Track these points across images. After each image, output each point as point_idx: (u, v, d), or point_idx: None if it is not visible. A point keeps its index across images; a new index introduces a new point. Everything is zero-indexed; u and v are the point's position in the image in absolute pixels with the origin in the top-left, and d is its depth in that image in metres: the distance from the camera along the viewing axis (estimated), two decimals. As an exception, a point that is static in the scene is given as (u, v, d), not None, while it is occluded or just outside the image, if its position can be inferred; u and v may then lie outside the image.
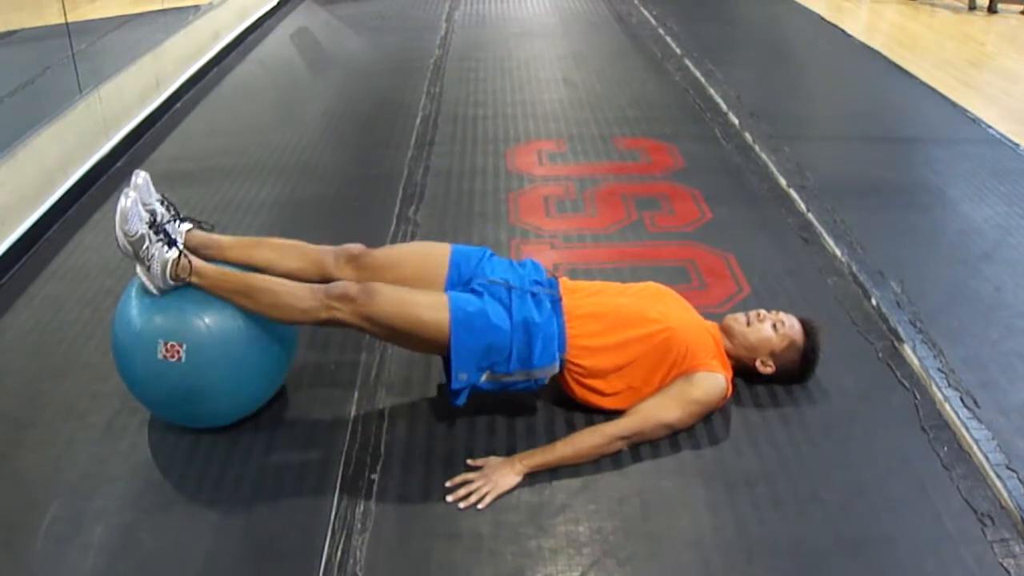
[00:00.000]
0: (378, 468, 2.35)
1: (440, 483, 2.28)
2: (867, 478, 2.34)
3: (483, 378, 2.37)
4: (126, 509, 2.24)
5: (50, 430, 2.53)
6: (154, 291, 2.31)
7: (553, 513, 2.21)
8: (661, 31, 7.05)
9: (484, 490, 2.24)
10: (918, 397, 2.64)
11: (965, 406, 2.58)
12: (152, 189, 2.40)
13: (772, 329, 2.60)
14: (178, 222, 2.43)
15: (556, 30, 7.30)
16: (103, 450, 2.44)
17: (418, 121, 4.99)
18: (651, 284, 2.67)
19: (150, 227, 2.31)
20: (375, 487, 2.28)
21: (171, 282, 2.30)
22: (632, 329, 2.45)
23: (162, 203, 2.41)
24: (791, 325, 2.62)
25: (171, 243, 2.32)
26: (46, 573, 2.06)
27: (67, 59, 4.27)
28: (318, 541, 2.11)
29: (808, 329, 2.63)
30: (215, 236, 2.49)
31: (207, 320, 2.31)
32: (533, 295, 2.43)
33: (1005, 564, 2.06)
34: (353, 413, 2.56)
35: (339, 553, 2.08)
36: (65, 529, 2.17)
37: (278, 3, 7.64)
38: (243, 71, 6.04)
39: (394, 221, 3.76)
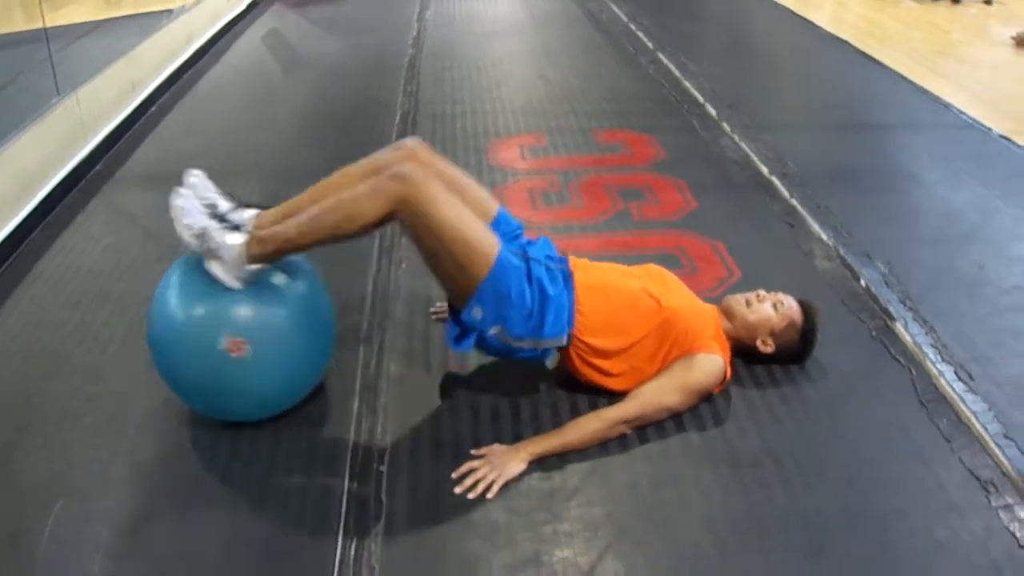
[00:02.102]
0: (385, 460, 2.35)
1: (448, 472, 2.28)
2: (870, 453, 2.37)
3: (493, 331, 2.37)
4: (131, 511, 2.21)
5: (46, 433, 2.49)
6: (235, 284, 2.27)
7: (565, 498, 2.22)
8: (632, 27, 7.09)
9: (491, 478, 2.24)
10: (913, 372, 2.68)
11: (960, 379, 2.63)
12: (209, 184, 2.35)
13: (772, 309, 2.63)
14: (241, 210, 2.36)
15: (528, 28, 7.31)
16: (103, 452, 2.41)
17: (397, 119, 4.98)
18: (651, 266, 2.70)
19: (213, 219, 2.27)
20: (384, 479, 2.28)
21: (247, 266, 2.26)
22: (636, 310, 2.47)
23: (222, 196, 2.36)
24: (790, 305, 2.65)
25: (236, 228, 2.28)
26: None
27: (43, 63, 4.22)
28: (330, 537, 2.10)
29: (807, 308, 2.66)
30: (277, 209, 2.39)
31: (272, 315, 2.29)
32: (547, 269, 2.44)
33: (1011, 528, 2.11)
34: (356, 407, 2.55)
35: (353, 547, 2.07)
36: (69, 533, 2.14)
37: (248, 7, 7.59)
38: (217, 73, 6.00)
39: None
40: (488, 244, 2.33)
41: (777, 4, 7.95)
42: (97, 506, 2.22)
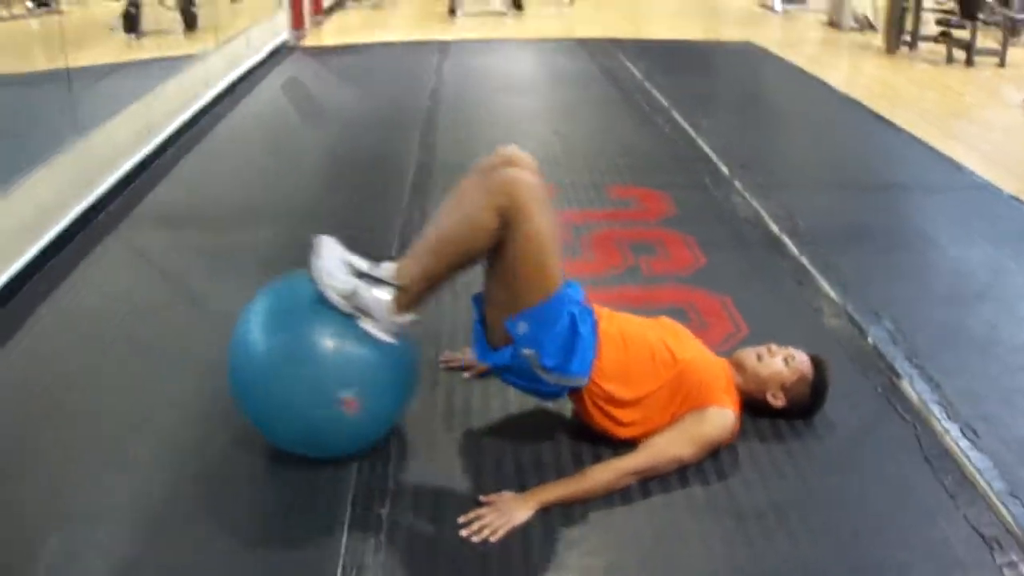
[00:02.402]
0: (387, 503, 2.34)
1: (450, 518, 2.27)
2: (874, 508, 2.35)
3: (525, 351, 2.37)
4: (127, 541, 2.21)
5: (46, 464, 2.51)
6: (390, 339, 2.32)
7: (567, 546, 2.20)
8: (647, 84, 7.18)
9: (496, 524, 2.23)
10: (918, 429, 2.66)
11: (965, 437, 2.61)
12: (341, 247, 2.37)
13: (783, 363, 2.63)
14: (380, 265, 2.38)
15: (544, 85, 7.42)
16: (102, 484, 2.42)
17: (412, 169, 5.04)
18: (664, 318, 2.72)
19: (358, 277, 2.31)
20: (384, 522, 2.27)
21: (398, 320, 2.31)
22: (652, 361, 2.49)
23: (357, 256, 2.38)
24: (801, 359, 2.65)
25: (380, 282, 2.31)
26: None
27: (63, 101, 4.30)
28: (329, 571, 2.10)
29: (817, 363, 2.66)
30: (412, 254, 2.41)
31: (381, 374, 2.35)
32: (580, 311, 2.46)
33: (1018, 588, 2.08)
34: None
35: (352, 583, 2.07)
36: (65, 562, 2.14)
37: (268, 54, 7.73)
38: (235, 119, 6.10)
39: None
40: (559, 271, 2.38)
41: (790, 64, 8.05)
42: (93, 536, 2.22)
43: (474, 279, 2.50)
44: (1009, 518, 2.29)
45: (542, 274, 2.33)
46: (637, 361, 2.49)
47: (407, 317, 2.35)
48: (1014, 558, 2.16)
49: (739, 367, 2.66)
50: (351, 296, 2.30)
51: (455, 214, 2.35)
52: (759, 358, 2.65)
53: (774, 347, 2.68)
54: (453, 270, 2.37)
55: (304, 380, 2.30)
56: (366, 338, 2.33)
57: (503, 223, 2.28)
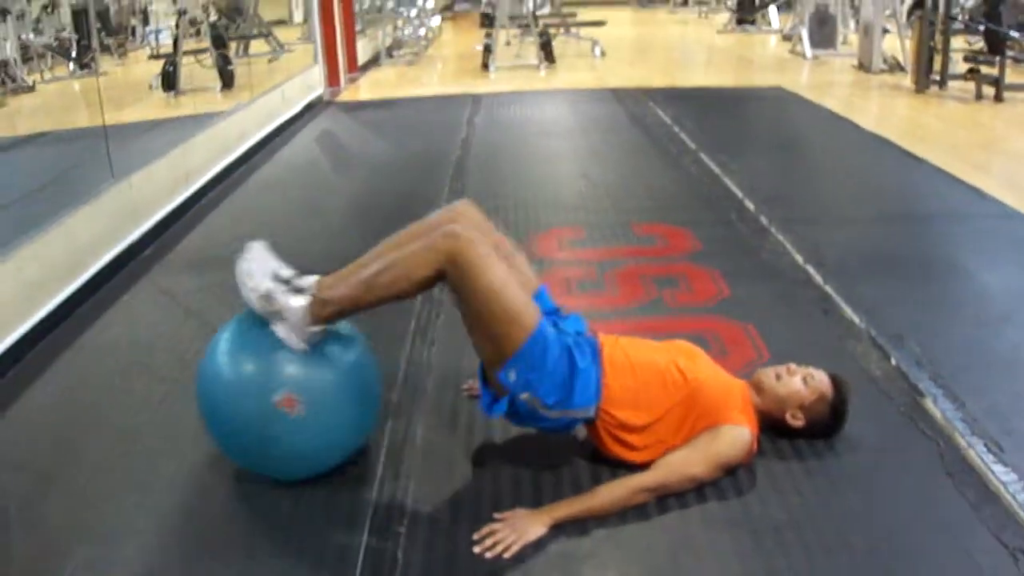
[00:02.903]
0: (404, 522, 2.36)
1: (466, 535, 2.28)
2: (894, 523, 2.33)
3: (523, 396, 2.40)
4: (151, 558, 2.27)
5: (76, 483, 2.59)
6: (299, 345, 2.37)
7: (580, 560, 2.21)
8: (676, 129, 7.23)
9: (510, 540, 2.24)
10: (941, 445, 2.64)
11: (990, 451, 2.58)
12: (272, 254, 2.46)
13: (802, 382, 2.63)
14: (303, 277, 2.45)
15: (573, 131, 7.51)
16: (130, 503, 2.48)
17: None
18: (680, 341, 2.72)
19: (276, 282, 2.38)
20: (402, 539, 2.29)
21: (310, 329, 2.36)
22: (663, 384, 2.50)
23: (284, 265, 2.46)
24: (821, 379, 2.64)
25: (299, 291, 2.38)
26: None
27: (100, 153, 4.45)
28: (346, 590, 2.13)
29: (837, 383, 2.65)
30: (338, 273, 2.48)
31: (327, 374, 2.40)
32: (577, 343, 2.48)
33: (1041, 596, 2.04)
34: (380, 472, 2.58)
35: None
36: (89, 573, 2.20)
37: (303, 109, 7.91)
38: (269, 170, 6.24)
39: (417, 301, 3.82)
40: (530, 312, 2.39)
41: (820, 106, 8.08)
42: (118, 554, 2.27)
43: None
44: (1033, 530, 2.26)
45: (510, 320, 2.35)
46: (647, 385, 2.50)
47: (317, 328, 2.38)
48: (1038, 568, 2.13)
49: (758, 387, 2.65)
50: (267, 298, 2.35)
51: (395, 258, 2.39)
52: (778, 377, 2.65)
53: (793, 366, 2.68)
54: (376, 304, 2.41)
55: (240, 388, 2.36)
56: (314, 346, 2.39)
57: (439, 278, 2.35)
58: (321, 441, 2.42)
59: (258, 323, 2.43)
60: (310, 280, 2.43)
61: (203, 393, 2.45)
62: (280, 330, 2.37)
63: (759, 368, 2.74)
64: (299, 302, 2.36)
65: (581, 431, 2.63)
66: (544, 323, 2.41)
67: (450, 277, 2.33)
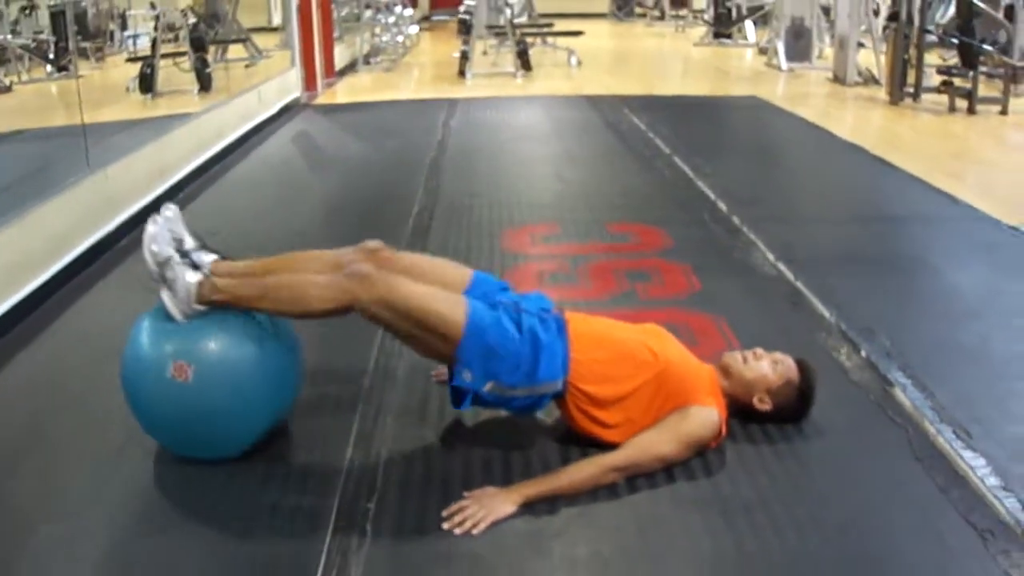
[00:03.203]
0: (374, 499, 2.34)
1: (435, 512, 2.27)
2: (864, 503, 2.34)
3: (487, 387, 2.40)
4: (119, 531, 2.25)
5: (46, 461, 2.57)
6: (179, 316, 2.38)
7: (550, 537, 2.20)
8: (651, 135, 7.26)
9: (479, 516, 2.23)
10: (910, 432, 2.66)
11: (958, 438, 2.60)
12: (182, 222, 2.48)
13: (769, 366, 2.64)
14: (205, 252, 2.48)
15: (549, 135, 7.53)
16: (99, 479, 2.46)
17: (415, 209, 5.11)
18: (650, 324, 2.72)
19: (177, 252, 2.38)
20: (371, 514, 2.28)
21: (195, 306, 2.37)
22: (633, 360, 2.50)
23: (191, 235, 2.49)
24: (787, 364, 2.65)
25: (196, 267, 2.39)
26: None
27: (77, 146, 4.43)
28: (313, 559, 2.10)
29: (803, 367, 2.66)
30: (236, 263, 2.52)
31: (216, 342, 2.37)
32: (541, 319, 2.48)
33: (1011, 573, 2.05)
34: (349, 453, 2.56)
35: (335, 571, 2.06)
36: (55, 548, 2.17)
37: (279, 111, 7.89)
38: (245, 167, 6.23)
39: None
40: (455, 308, 2.39)
41: (795, 115, 8.14)
42: (85, 529, 2.25)
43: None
44: (1003, 511, 2.27)
45: (439, 324, 2.37)
46: (615, 361, 2.50)
47: (202, 309, 2.40)
48: (1008, 547, 2.14)
49: (725, 371, 2.66)
50: (163, 264, 2.37)
51: (299, 281, 2.42)
52: (744, 361, 2.65)
53: (760, 351, 2.69)
54: (265, 310, 2.44)
55: (135, 361, 2.41)
56: (203, 317, 2.41)
57: (342, 312, 2.38)
58: (226, 400, 2.39)
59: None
60: (209, 258, 2.45)
61: (123, 384, 2.47)
62: (165, 298, 2.39)
63: (726, 352, 2.74)
64: (192, 278, 2.38)
65: (550, 416, 2.63)
66: (474, 311, 2.40)
67: (362, 313, 2.36)
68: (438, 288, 2.45)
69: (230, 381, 2.38)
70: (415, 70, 12.55)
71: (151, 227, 2.39)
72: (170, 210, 2.47)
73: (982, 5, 8.38)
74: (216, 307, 2.41)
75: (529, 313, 2.49)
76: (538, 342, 2.42)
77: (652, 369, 2.49)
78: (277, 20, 10.51)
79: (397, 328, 2.40)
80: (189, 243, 2.46)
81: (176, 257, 2.38)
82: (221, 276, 2.42)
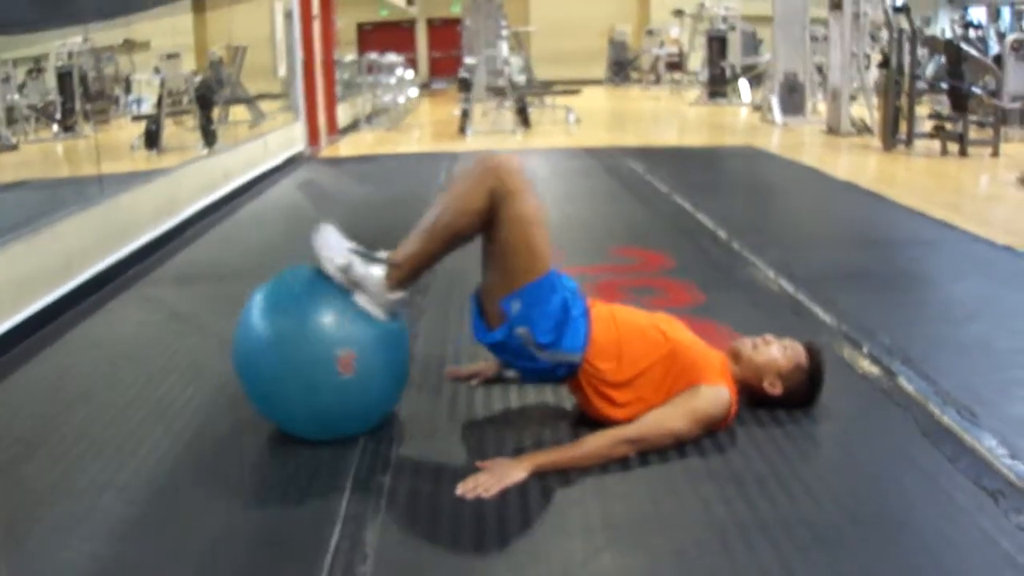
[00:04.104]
0: (388, 474, 2.38)
1: (449, 485, 2.29)
2: (875, 473, 2.38)
3: (520, 331, 2.45)
4: (135, 508, 2.27)
5: (59, 449, 2.61)
6: (380, 314, 2.46)
7: (565, 505, 2.23)
8: (649, 178, 7.38)
9: (490, 482, 2.27)
10: (916, 413, 2.69)
11: (963, 418, 2.64)
12: (340, 234, 2.54)
13: (779, 351, 2.69)
14: (374, 252, 2.54)
15: (550, 179, 7.66)
16: (113, 463, 2.50)
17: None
18: (661, 313, 2.79)
19: (355, 254, 2.47)
20: (385, 487, 2.31)
21: (389, 296, 2.46)
22: (644, 340, 2.56)
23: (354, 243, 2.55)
24: (796, 349, 2.70)
25: (375, 261, 2.47)
26: (49, 560, 2.06)
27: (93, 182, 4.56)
28: (328, 526, 2.13)
29: (812, 352, 2.71)
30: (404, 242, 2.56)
31: (369, 332, 2.46)
32: (573, 297, 2.57)
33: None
34: (362, 436, 2.60)
35: (350, 537, 2.09)
36: (72, 523, 2.20)
37: (284, 161, 8.03)
38: (253, 207, 6.34)
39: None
40: (548, 253, 2.49)
41: (791, 160, 8.28)
42: (99, 506, 2.28)
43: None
44: (1012, 475, 2.31)
45: (532, 254, 2.44)
46: (629, 340, 2.56)
47: (398, 294, 2.48)
48: (1019, 504, 2.17)
49: (735, 357, 2.71)
50: (346, 269, 2.44)
51: (448, 200, 2.51)
52: (754, 347, 2.70)
53: (769, 337, 2.74)
54: (444, 249, 2.50)
55: (302, 341, 2.41)
56: (356, 307, 2.46)
57: (492, 205, 2.41)
58: (353, 408, 2.49)
59: (306, 280, 2.51)
60: (383, 253, 2.53)
61: (249, 339, 2.47)
62: (361, 300, 2.46)
63: (736, 340, 2.79)
64: (377, 271, 2.45)
65: (566, 402, 2.67)
66: (555, 271, 2.50)
67: (496, 203, 2.40)
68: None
69: (374, 391, 2.50)
70: (416, 130, 12.77)
71: (318, 239, 2.48)
72: (327, 227, 2.53)
73: (971, 51, 8.59)
74: (407, 286, 2.49)
75: (566, 289, 2.57)
76: (568, 315, 2.50)
77: (663, 349, 2.54)
78: (282, 78, 10.70)
79: (502, 230, 2.42)
80: (358, 247, 2.53)
81: (356, 259, 2.46)
82: (396, 254, 2.49)
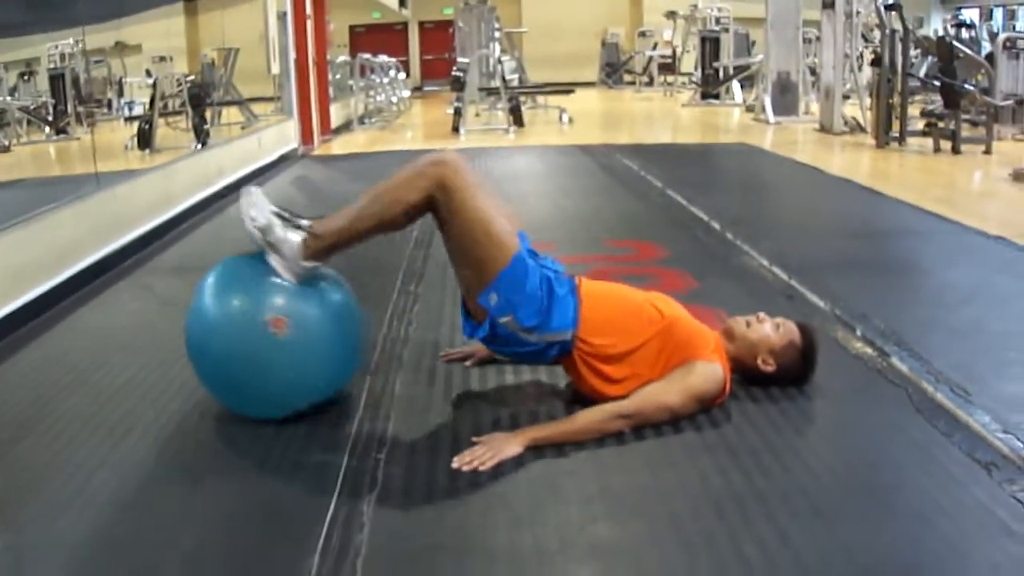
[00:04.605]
0: (384, 451, 2.38)
1: (444, 461, 2.30)
2: (868, 445, 2.40)
3: (504, 319, 2.45)
4: (131, 483, 2.27)
5: (55, 430, 2.60)
6: (291, 278, 2.45)
7: (561, 476, 2.23)
8: (643, 173, 7.40)
9: (486, 456, 2.27)
10: (909, 391, 2.70)
11: (956, 395, 2.65)
12: (267, 199, 2.54)
13: (772, 329, 2.69)
14: (298, 219, 2.53)
15: (543, 175, 7.70)
16: (107, 443, 2.50)
17: (415, 235, 5.18)
18: (656, 292, 2.79)
19: (277, 217, 2.47)
20: (381, 464, 2.31)
21: (303, 263, 2.45)
22: (639, 316, 2.57)
23: (280, 208, 2.54)
24: (789, 327, 2.71)
25: (297, 228, 2.46)
26: (43, 533, 2.05)
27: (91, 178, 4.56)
28: (325, 499, 2.13)
29: (805, 330, 2.72)
30: (331, 215, 2.56)
31: (308, 301, 2.47)
32: (557, 276, 2.57)
33: (1018, 496, 2.08)
34: (360, 412, 2.61)
35: (346, 509, 2.08)
36: (69, 498, 2.20)
37: (278, 158, 8.04)
38: (246, 203, 6.32)
39: (395, 293, 3.89)
40: (511, 239, 2.49)
41: (784, 157, 8.31)
42: (94, 482, 2.28)
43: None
44: (1005, 448, 2.31)
45: (492, 243, 2.45)
46: (623, 316, 2.57)
47: (311, 263, 2.48)
48: (1012, 475, 2.18)
49: (729, 335, 2.72)
50: (265, 229, 2.45)
51: (385, 188, 2.50)
52: (748, 325, 2.71)
53: (763, 315, 2.75)
54: (367, 234, 2.51)
55: (233, 309, 2.45)
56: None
57: (428, 205, 2.43)
58: (304, 366, 2.46)
59: (245, 262, 2.51)
60: (306, 221, 2.52)
61: (193, 324, 2.50)
62: (275, 262, 2.45)
63: (729, 318, 2.80)
64: (296, 237, 2.45)
65: (560, 381, 2.67)
66: (524, 251, 2.49)
67: (439, 201, 2.41)
68: (500, 212, 2.52)
69: (319, 344, 2.47)
70: (409, 130, 12.79)
71: (245, 198, 2.47)
72: (255, 191, 2.54)
73: (963, 48, 8.62)
74: (323, 258, 2.49)
75: (548, 269, 2.58)
76: (553, 295, 2.50)
77: (658, 325, 2.55)
78: (275, 76, 10.69)
79: (457, 229, 2.44)
80: (284, 212, 2.52)
81: (277, 221, 2.46)
82: (320, 225, 2.49)
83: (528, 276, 2.46)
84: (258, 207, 2.47)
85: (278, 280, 2.46)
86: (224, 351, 2.45)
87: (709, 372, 2.52)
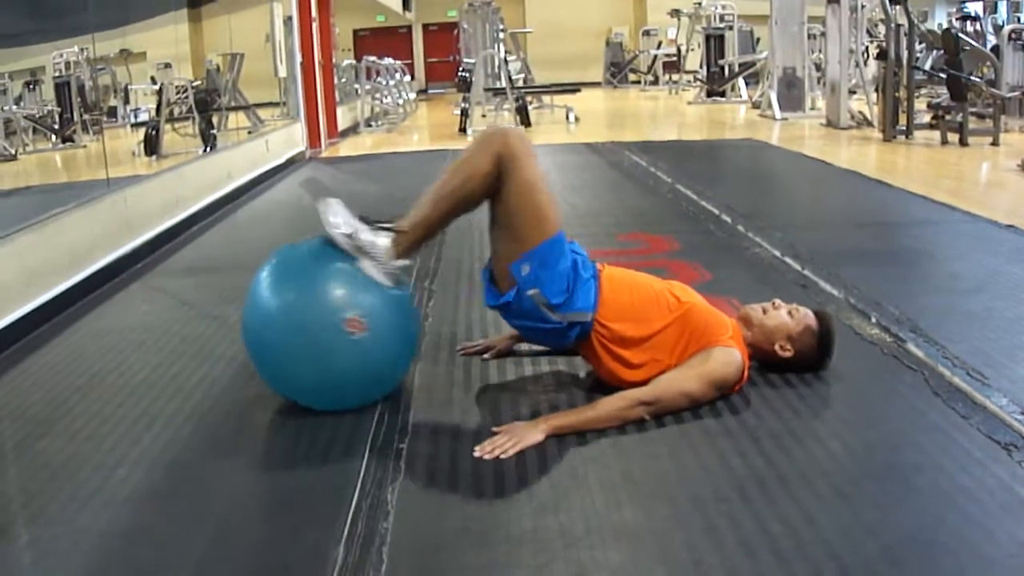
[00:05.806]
0: (406, 440, 2.40)
1: (466, 449, 2.31)
2: (888, 428, 2.40)
3: (530, 292, 2.49)
4: (154, 475, 2.29)
5: (75, 427, 2.62)
6: (385, 280, 2.49)
7: (583, 462, 2.24)
8: (652, 169, 7.41)
9: (508, 444, 2.29)
10: (927, 375, 2.71)
11: (973, 379, 2.65)
12: (345, 207, 2.56)
13: (788, 315, 2.71)
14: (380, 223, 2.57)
15: (552, 170, 7.67)
16: (128, 438, 2.52)
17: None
18: (674, 280, 2.81)
19: (361, 222, 2.50)
20: (403, 453, 2.32)
21: (395, 263, 2.49)
22: (657, 303, 2.60)
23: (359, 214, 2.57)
24: (806, 313, 2.73)
25: (381, 229, 2.50)
26: (68, 526, 2.07)
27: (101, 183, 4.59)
28: (348, 492, 2.13)
29: (821, 315, 2.74)
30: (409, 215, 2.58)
31: (380, 299, 2.49)
32: (582, 260, 2.61)
33: (1037, 475, 2.09)
34: (379, 405, 2.61)
35: (369, 502, 2.09)
36: (87, 493, 2.21)
37: (286, 161, 8.06)
38: (256, 205, 6.39)
39: (409, 289, 3.89)
40: (557, 215, 2.55)
41: (792, 151, 8.31)
42: (117, 476, 2.29)
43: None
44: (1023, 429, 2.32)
45: (539, 216, 2.49)
46: (642, 302, 2.59)
47: (403, 261, 2.51)
48: (1032, 457, 2.19)
49: (746, 322, 2.73)
50: (352, 236, 2.47)
51: (455, 167, 2.54)
52: (764, 311, 2.73)
53: (778, 301, 2.76)
54: (450, 214, 2.54)
55: (311, 306, 2.45)
56: (361, 273, 2.50)
57: (498, 170, 2.45)
58: (368, 369, 2.51)
59: (307, 254, 2.54)
60: (387, 224, 2.56)
61: (261, 306, 2.50)
62: (366, 266, 2.48)
63: (744, 305, 2.81)
64: (383, 239, 2.49)
65: (580, 369, 2.68)
66: (563, 233, 2.54)
67: (503, 167, 2.44)
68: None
69: (386, 352, 2.52)
70: (415, 132, 12.82)
71: (325, 208, 2.50)
72: (334, 200, 2.55)
73: (969, 41, 8.62)
74: (411, 254, 2.54)
75: (577, 253, 2.62)
76: (578, 276, 2.54)
77: (677, 311, 2.57)
78: (282, 79, 10.73)
79: (509, 195, 2.46)
80: (365, 217, 2.55)
81: (362, 226, 2.49)
82: (404, 221, 2.52)
83: (563, 256, 2.51)
84: (340, 215, 2.50)
85: (346, 276, 2.47)
86: (297, 351, 2.45)
87: (728, 357, 2.53)
